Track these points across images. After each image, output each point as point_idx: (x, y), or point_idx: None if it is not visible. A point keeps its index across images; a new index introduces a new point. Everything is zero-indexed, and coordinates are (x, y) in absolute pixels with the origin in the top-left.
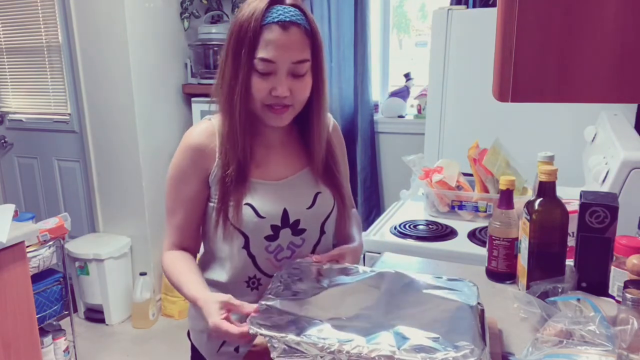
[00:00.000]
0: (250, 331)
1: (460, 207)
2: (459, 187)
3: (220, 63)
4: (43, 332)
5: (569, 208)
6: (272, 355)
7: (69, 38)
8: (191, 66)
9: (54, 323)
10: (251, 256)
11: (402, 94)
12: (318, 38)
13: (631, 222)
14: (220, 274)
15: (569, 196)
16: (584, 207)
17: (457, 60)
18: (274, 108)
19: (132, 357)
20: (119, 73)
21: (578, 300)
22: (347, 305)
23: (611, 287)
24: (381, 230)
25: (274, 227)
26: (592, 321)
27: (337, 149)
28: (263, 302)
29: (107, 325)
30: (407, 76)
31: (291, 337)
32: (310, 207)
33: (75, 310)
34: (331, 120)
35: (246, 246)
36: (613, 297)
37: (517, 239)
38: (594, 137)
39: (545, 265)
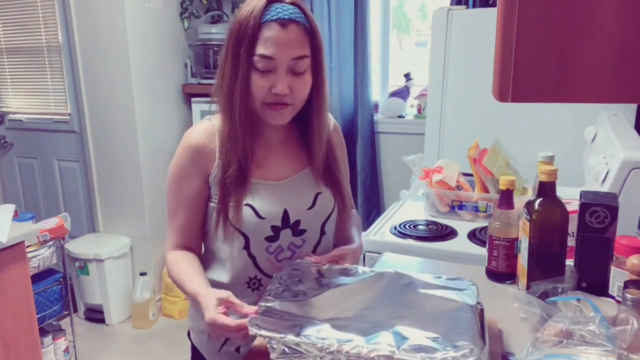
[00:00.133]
0: (250, 332)
1: (460, 207)
2: (459, 187)
3: (220, 63)
4: (43, 332)
5: (569, 208)
6: (271, 356)
7: (69, 38)
8: (191, 66)
9: (54, 323)
10: (252, 257)
11: (402, 94)
12: (317, 36)
13: (631, 222)
14: (220, 275)
15: (569, 196)
16: (584, 207)
17: (457, 60)
18: (274, 105)
19: (132, 357)
20: (119, 73)
21: (578, 300)
22: (346, 305)
23: (611, 287)
24: (381, 230)
25: (275, 228)
26: (592, 321)
27: (338, 149)
28: (262, 303)
29: (107, 325)
30: (407, 76)
31: (290, 337)
32: (310, 208)
33: (75, 310)
34: (332, 121)
35: (246, 247)
36: (613, 297)
37: (517, 239)
38: (594, 137)
39: (545, 265)
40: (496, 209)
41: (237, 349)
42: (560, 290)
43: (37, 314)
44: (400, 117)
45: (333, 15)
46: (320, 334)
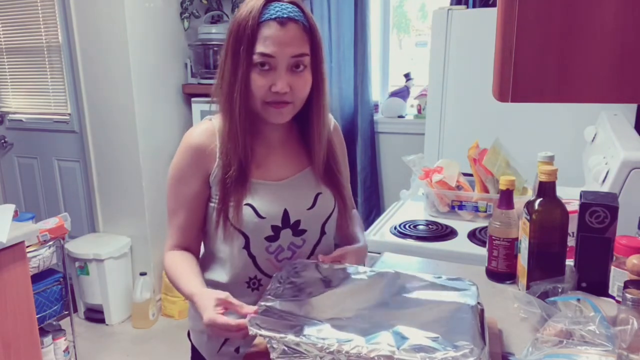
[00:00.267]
0: (250, 332)
1: (460, 207)
2: (459, 187)
3: (219, 63)
4: (43, 332)
5: (569, 208)
6: (271, 356)
7: (69, 38)
8: (191, 66)
9: (54, 323)
10: (251, 257)
11: (402, 94)
12: (317, 35)
13: (631, 222)
14: (220, 275)
15: (569, 196)
16: (584, 207)
17: (457, 60)
18: (274, 105)
19: (132, 357)
20: (119, 73)
21: (578, 300)
22: (346, 305)
23: (611, 287)
24: (381, 230)
25: (275, 228)
26: (592, 321)
27: (338, 150)
28: (262, 303)
29: (107, 325)
30: (407, 76)
31: (290, 337)
32: (310, 208)
33: (75, 310)
34: (332, 121)
35: (246, 247)
36: (613, 297)
37: (517, 239)
38: (594, 137)
39: (545, 265)
40: (496, 209)
41: (237, 349)
42: (560, 290)
43: (37, 314)
44: (400, 117)
45: (333, 15)
46: (321, 333)
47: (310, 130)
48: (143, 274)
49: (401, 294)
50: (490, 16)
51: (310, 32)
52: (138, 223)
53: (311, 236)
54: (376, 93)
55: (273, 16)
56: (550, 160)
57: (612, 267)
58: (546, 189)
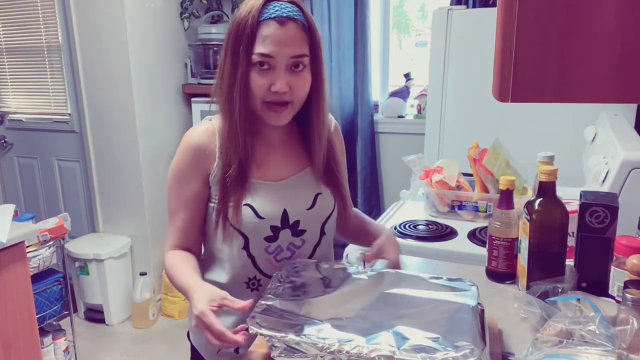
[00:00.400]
0: (251, 331)
1: (460, 207)
2: (459, 187)
3: (219, 63)
4: (43, 332)
5: (569, 208)
6: (272, 355)
7: (69, 38)
8: (191, 66)
9: (54, 323)
10: (251, 257)
11: (402, 94)
12: (316, 34)
13: (631, 222)
14: (220, 275)
15: (569, 196)
16: (584, 207)
17: (457, 60)
18: (273, 106)
19: (132, 357)
20: (119, 73)
21: (578, 300)
22: (347, 305)
23: (611, 287)
24: None
25: (274, 228)
26: (592, 321)
27: (338, 150)
28: (262, 302)
29: (107, 325)
30: (407, 76)
31: (291, 337)
32: (310, 208)
33: (75, 310)
34: (332, 122)
35: (246, 247)
36: (613, 297)
37: (517, 239)
38: (594, 137)
39: (545, 265)
40: (496, 209)
41: (237, 350)
42: (560, 290)
43: (37, 314)
44: (400, 117)
45: (333, 15)
46: (321, 333)
47: (310, 130)
48: (143, 274)
49: (401, 294)
50: (490, 16)
51: (309, 32)
52: (138, 223)
53: (310, 236)
54: (376, 93)
55: (272, 15)
56: (550, 160)
57: (612, 267)
58: (546, 189)
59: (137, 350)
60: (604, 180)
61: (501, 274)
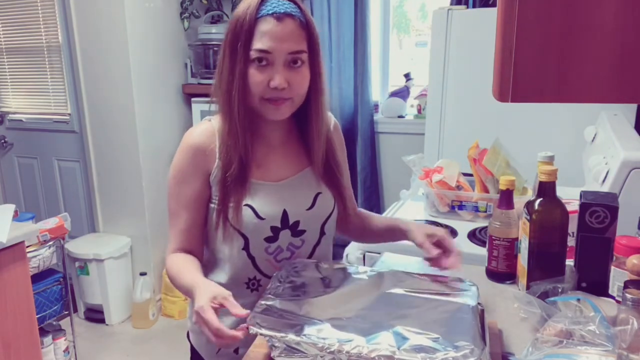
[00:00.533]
0: (251, 331)
1: (460, 207)
2: (459, 187)
3: (218, 62)
4: (43, 332)
5: (569, 208)
6: (272, 355)
7: (69, 38)
8: (191, 66)
9: (54, 323)
10: (251, 257)
11: (402, 94)
12: (314, 31)
13: (631, 222)
14: (220, 276)
15: (569, 196)
16: (584, 207)
17: (457, 60)
18: (273, 102)
19: (132, 357)
20: (119, 73)
21: (578, 300)
22: (347, 305)
23: (611, 287)
24: None
25: (274, 229)
26: (592, 321)
27: (338, 150)
28: (262, 302)
29: (107, 325)
30: (407, 76)
31: (291, 337)
32: (310, 209)
33: (75, 310)
34: (332, 120)
35: (246, 247)
36: (613, 297)
37: (517, 239)
38: (594, 137)
39: (545, 265)
40: (496, 209)
41: (236, 351)
42: (560, 290)
43: (37, 314)
44: (400, 117)
45: (333, 15)
46: (321, 333)
47: (309, 127)
48: (143, 274)
49: (401, 294)
50: (490, 16)
51: (307, 29)
52: (138, 223)
53: (310, 237)
54: (376, 93)
55: (270, 12)
56: (550, 160)
57: (612, 267)
58: (546, 189)
59: (137, 350)
60: (604, 180)
61: (501, 274)
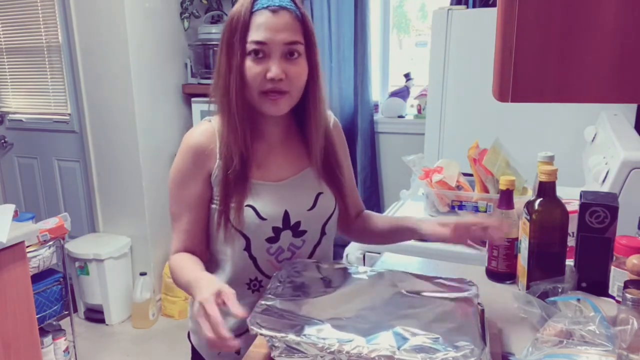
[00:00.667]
0: (251, 331)
1: (460, 207)
2: (459, 187)
3: (216, 60)
4: (43, 332)
5: (569, 208)
6: (272, 355)
7: (69, 38)
8: (191, 66)
9: (54, 323)
10: (252, 258)
11: (402, 94)
12: (309, 24)
13: (631, 222)
14: (221, 277)
15: (569, 196)
16: (584, 207)
17: (457, 60)
18: (270, 94)
19: (132, 357)
20: (119, 73)
21: (578, 300)
22: (347, 305)
23: (611, 287)
24: None
25: (275, 229)
26: (592, 321)
27: (339, 148)
28: (263, 302)
29: (107, 325)
30: (407, 76)
31: (291, 337)
32: (311, 209)
33: (75, 310)
34: (332, 117)
35: (247, 248)
36: (613, 297)
37: (517, 239)
38: (594, 137)
39: (545, 265)
40: (496, 209)
41: (238, 351)
42: (560, 290)
43: (37, 314)
44: (400, 117)
45: (333, 15)
46: (321, 333)
47: (308, 122)
48: (143, 274)
49: (401, 294)
50: (490, 16)
51: (302, 22)
52: (138, 223)
53: (311, 237)
54: (376, 93)
55: (265, 5)
56: (550, 160)
57: (612, 267)
58: (546, 189)
59: (137, 350)
60: (604, 180)
61: (501, 274)
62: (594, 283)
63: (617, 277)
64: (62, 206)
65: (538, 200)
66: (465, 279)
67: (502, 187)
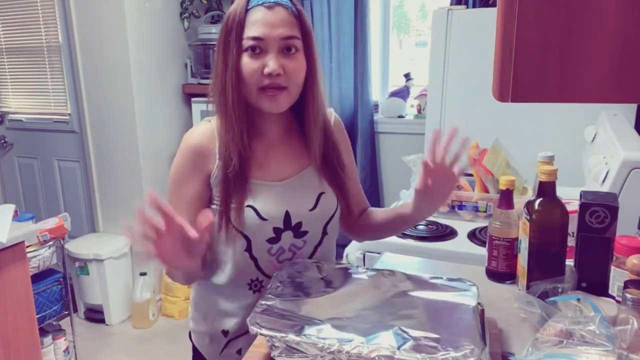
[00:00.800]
0: (251, 331)
1: (460, 207)
2: (459, 187)
3: (214, 60)
4: (43, 332)
5: (569, 208)
6: (272, 355)
7: (69, 38)
8: (191, 66)
9: (54, 323)
10: (253, 259)
11: (402, 94)
12: (305, 20)
13: (631, 222)
14: (221, 277)
15: (569, 196)
16: (584, 207)
17: (457, 60)
18: (268, 90)
19: (132, 357)
20: (119, 73)
21: (578, 300)
22: (347, 305)
23: (611, 287)
24: None
25: (276, 230)
26: (592, 321)
27: (342, 146)
28: (263, 302)
29: (107, 325)
30: (407, 76)
31: (291, 337)
32: (312, 209)
33: (75, 310)
34: (332, 115)
35: (248, 249)
36: (613, 297)
37: (517, 239)
38: (594, 137)
39: (545, 265)
40: (496, 209)
41: (239, 351)
42: (560, 290)
43: (37, 314)
44: (400, 117)
45: (333, 15)
46: (321, 333)
47: (307, 118)
48: (143, 274)
49: (401, 294)
50: (490, 16)
51: (298, 17)
52: None
53: (312, 237)
54: (376, 93)
55: (260, 2)
56: (550, 160)
57: (612, 267)
58: (546, 189)
59: (137, 350)
60: (604, 180)
61: (501, 274)
62: (594, 283)
63: (617, 277)
64: (62, 206)
65: (538, 200)
66: (465, 279)
67: (502, 187)
